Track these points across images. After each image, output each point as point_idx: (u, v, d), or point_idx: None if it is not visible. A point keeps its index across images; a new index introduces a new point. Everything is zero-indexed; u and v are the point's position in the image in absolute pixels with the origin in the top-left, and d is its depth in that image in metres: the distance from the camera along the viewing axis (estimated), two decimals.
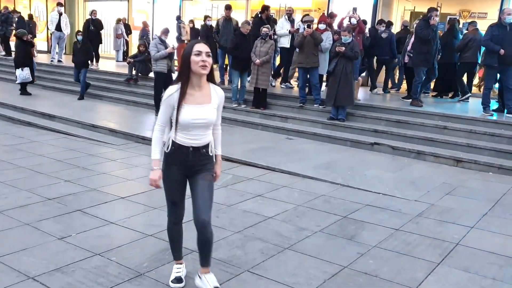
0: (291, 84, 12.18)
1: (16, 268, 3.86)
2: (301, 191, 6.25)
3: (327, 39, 10.02)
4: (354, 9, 10.82)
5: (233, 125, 10.04)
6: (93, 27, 15.34)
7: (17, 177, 6.40)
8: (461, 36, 11.18)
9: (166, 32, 10.87)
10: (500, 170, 7.40)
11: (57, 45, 16.14)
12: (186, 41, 14.31)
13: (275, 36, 11.58)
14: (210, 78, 3.38)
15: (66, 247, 4.31)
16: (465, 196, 6.26)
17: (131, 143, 8.75)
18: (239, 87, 10.72)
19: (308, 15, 11.27)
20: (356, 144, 8.72)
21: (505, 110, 9.07)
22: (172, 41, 12.30)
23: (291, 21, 11.53)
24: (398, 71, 13.01)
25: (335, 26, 11.23)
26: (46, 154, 7.68)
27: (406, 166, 7.65)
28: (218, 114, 3.45)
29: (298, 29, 10.71)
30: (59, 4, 16.14)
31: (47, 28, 18.86)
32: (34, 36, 16.49)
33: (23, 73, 12.68)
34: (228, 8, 11.94)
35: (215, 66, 12.80)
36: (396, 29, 13.15)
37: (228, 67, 11.70)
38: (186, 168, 3.41)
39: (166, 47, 10.41)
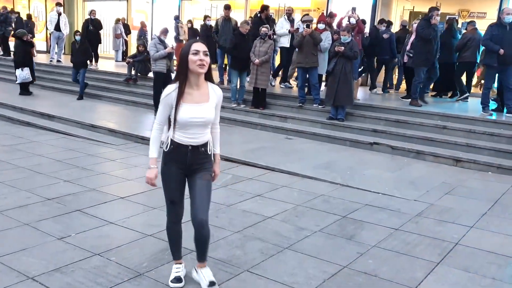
0: (290, 84, 12.19)
1: (16, 268, 3.86)
2: (301, 191, 6.25)
3: (326, 39, 10.02)
4: (353, 9, 10.83)
5: (233, 125, 10.04)
6: (92, 27, 15.34)
7: (17, 177, 6.40)
8: (459, 36, 11.19)
9: (165, 32, 10.87)
10: (500, 170, 7.40)
11: (56, 45, 16.14)
12: (184, 41, 14.32)
13: (275, 36, 11.58)
14: (208, 77, 3.40)
15: (65, 247, 4.31)
16: (464, 195, 6.27)
17: (131, 143, 8.75)
18: (238, 87, 10.72)
19: (307, 15, 11.27)
20: (355, 143, 8.73)
21: (505, 110, 9.07)
22: (170, 41, 12.30)
23: (291, 21, 11.54)
24: (397, 71, 13.01)
25: (334, 25, 11.23)
26: (46, 154, 7.68)
27: (405, 166, 7.65)
28: (216, 113, 3.47)
29: (297, 28, 10.72)
30: (58, 4, 16.13)
31: (46, 28, 18.86)
32: (33, 36, 16.47)
33: (23, 73, 12.68)
34: (227, 8, 11.94)
35: (214, 66, 12.82)
36: (395, 28, 13.14)
37: (227, 67, 11.71)
38: (185, 167, 3.43)
39: (165, 47, 10.41)
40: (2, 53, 17.94)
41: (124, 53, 18.05)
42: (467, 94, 11.03)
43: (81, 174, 6.63)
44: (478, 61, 10.94)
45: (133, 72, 13.17)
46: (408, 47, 10.69)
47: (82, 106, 11.71)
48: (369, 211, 5.56)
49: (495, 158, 7.69)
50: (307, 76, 10.06)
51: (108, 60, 17.95)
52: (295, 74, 11.51)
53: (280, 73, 12.56)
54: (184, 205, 3.59)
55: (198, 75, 3.29)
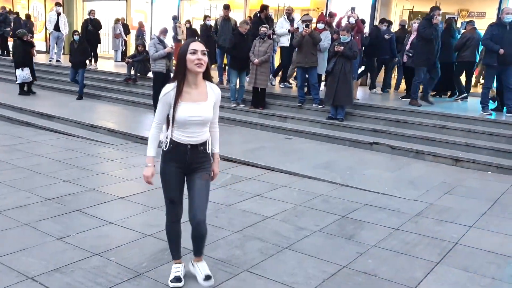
0: (290, 84, 12.18)
1: (15, 268, 3.86)
2: (300, 190, 6.25)
3: (325, 39, 10.02)
4: (353, 9, 10.82)
5: (232, 125, 10.04)
6: (92, 27, 15.33)
7: (16, 177, 6.40)
8: (458, 35, 11.19)
9: (164, 32, 10.87)
10: (499, 169, 7.41)
11: (55, 45, 16.13)
12: (182, 41, 14.33)
13: (274, 36, 11.57)
14: (206, 76, 3.42)
15: (65, 247, 4.31)
16: (464, 195, 6.27)
17: (130, 143, 8.75)
18: (237, 86, 10.72)
19: (307, 14, 11.27)
20: (355, 143, 8.73)
21: (504, 110, 9.08)
22: (169, 41, 12.30)
23: (291, 21, 11.53)
24: (396, 70, 13.00)
25: (334, 25, 11.22)
26: (45, 154, 7.68)
27: (405, 166, 7.65)
28: (215, 111, 3.49)
29: (297, 28, 10.71)
30: (57, 4, 16.11)
31: (46, 28, 18.85)
32: (32, 36, 16.46)
33: (23, 73, 12.68)
34: (226, 7, 11.93)
35: (213, 66, 12.83)
36: (394, 28, 13.13)
37: (227, 67, 11.71)
38: (184, 166, 3.45)
39: (164, 47, 10.40)
40: (0, 53, 17.93)
41: (124, 53, 18.06)
42: (465, 94, 11.04)
43: (80, 174, 6.63)
44: (477, 60, 10.94)
45: (132, 72, 13.17)
46: (407, 47, 10.70)
47: (82, 106, 11.71)
48: (369, 211, 5.56)
49: (495, 157, 7.69)
50: (307, 76, 10.06)
51: (107, 60, 17.96)
52: (295, 73, 11.51)
53: (279, 73, 12.56)
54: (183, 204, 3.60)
55: (196, 74, 3.32)
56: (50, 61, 16.09)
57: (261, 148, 8.35)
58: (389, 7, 14.75)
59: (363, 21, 11.57)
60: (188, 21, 15.36)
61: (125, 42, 18.31)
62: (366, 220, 5.23)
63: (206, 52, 3.30)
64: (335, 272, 4.00)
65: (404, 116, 9.26)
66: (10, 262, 3.97)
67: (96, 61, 15.52)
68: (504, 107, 9.12)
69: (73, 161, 7.30)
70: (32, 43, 13.42)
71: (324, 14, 12.59)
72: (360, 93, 11.26)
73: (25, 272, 3.81)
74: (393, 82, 12.91)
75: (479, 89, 12.68)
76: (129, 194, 5.82)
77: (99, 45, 16.31)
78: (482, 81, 13.16)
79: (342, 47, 9.05)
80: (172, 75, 10.18)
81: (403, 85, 12.24)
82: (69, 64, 12.90)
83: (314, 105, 10.07)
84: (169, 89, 3.34)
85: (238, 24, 10.99)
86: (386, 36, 11.43)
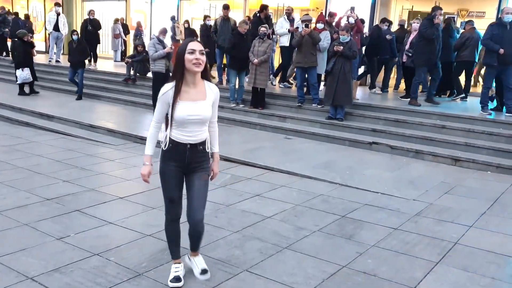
0: (289, 84, 12.18)
1: (15, 269, 3.86)
2: (300, 190, 6.25)
3: (325, 39, 10.02)
4: (352, 8, 10.82)
5: (231, 125, 10.04)
6: (91, 27, 15.33)
7: (16, 177, 6.40)
8: (457, 35, 11.20)
9: (164, 32, 10.87)
10: (499, 169, 7.41)
11: (55, 45, 16.13)
12: (180, 41, 14.32)
13: (274, 36, 11.56)
14: (205, 75, 3.45)
15: (64, 247, 4.30)
16: (463, 195, 6.27)
17: (130, 143, 8.75)
18: (237, 86, 10.72)
19: (307, 14, 11.27)
20: (354, 143, 8.73)
21: (504, 109, 9.08)
22: (167, 41, 12.29)
23: (291, 20, 11.53)
24: (396, 70, 13.00)
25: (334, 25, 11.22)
26: (45, 155, 7.67)
27: (404, 166, 7.65)
28: (213, 110, 3.51)
29: (297, 28, 10.71)
30: (56, 4, 16.11)
31: (45, 29, 18.84)
32: (32, 36, 16.47)
33: (23, 74, 12.68)
34: (226, 7, 11.93)
35: (214, 66, 12.84)
36: (393, 28, 13.13)
37: (226, 67, 11.71)
38: (184, 165, 3.47)
39: (164, 47, 10.40)
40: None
41: (123, 53, 18.05)
42: (463, 95, 11.05)
43: (80, 174, 6.63)
44: (476, 60, 10.94)
45: (132, 72, 13.17)
46: (407, 47, 10.70)
47: (81, 106, 11.70)
48: (368, 210, 5.56)
49: (494, 157, 7.70)
50: (306, 75, 10.06)
51: (107, 60, 17.95)
52: (295, 73, 11.51)
53: (280, 73, 12.56)
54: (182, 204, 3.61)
55: (194, 73, 3.34)
56: (50, 61, 16.09)
57: (260, 148, 8.35)
58: (389, 7, 14.75)
59: (362, 21, 11.57)
60: (187, 21, 15.36)
61: (125, 42, 18.31)
62: (365, 220, 5.23)
63: (204, 52, 3.32)
64: (334, 272, 4.00)
65: (404, 116, 9.26)
66: (10, 262, 3.97)
67: (95, 61, 15.51)
68: (504, 107, 9.12)
69: (72, 161, 7.30)
70: (32, 44, 13.41)
71: (324, 14, 12.59)
72: (360, 93, 11.25)
73: (25, 272, 3.81)
74: (392, 82, 12.91)
75: (478, 89, 12.69)
76: (128, 194, 5.82)
77: (98, 45, 16.31)
78: (480, 80, 13.18)
79: (341, 47, 9.05)
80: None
81: (402, 85, 12.23)
82: (69, 64, 12.89)
83: (313, 105, 10.07)
84: (167, 88, 3.36)
85: (237, 24, 10.99)
86: (388, 37, 11.41)
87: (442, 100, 11.09)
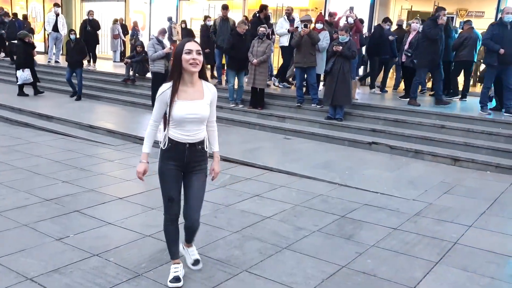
0: (289, 84, 12.17)
1: (14, 269, 3.85)
2: (299, 190, 6.25)
3: (324, 39, 10.02)
4: (351, 8, 10.83)
5: (231, 125, 10.04)
6: (90, 28, 15.32)
7: (15, 178, 6.39)
8: (455, 35, 11.20)
9: (163, 32, 10.88)
10: (498, 169, 7.41)
11: (54, 45, 16.12)
12: (177, 41, 14.33)
13: (273, 36, 11.56)
14: (202, 75, 3.48)
15: (64, 248, 4.30)
16: (463, 195, 6.27)
17: (129, 144, 8.74)
18: (236, 87, 10.71)
19: (308, 15, 11.28)
20: (354, 143, 8.73)
21: (503, 109, 9.08)
22: (166, 41, 12.31)
23: (291, 21, 11.52)
24: (395, 70, 12.99)
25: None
26: (44, 155, 7.67)
27: (404, 165, 7.65)
28: (211, 110, 3.55)
29: (297, 27, 10.71)
30: (56, 4, 16.10)
31: (44, 29, 18.83)
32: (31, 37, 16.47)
33: (24, 74, 12.68)
34: (225, 8, 11.92)
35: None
36: (392, 28, 13.13)
37: (225, 67, 11.70)
38: (183, 164, 3.50)
39: (163, 47, 10.40)
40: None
41: (122, 54, 18.05)
42: (459, 96, 11.05)
43: (79, 175, 6.63)
44: (475, 60, 10.95)
45: (131, 72, 13.15)
46: (406, 47, 10.70)
47: (81, 107, 11.70)
48: (368, 210, 5.56)
49: (494, 157, 7.70)
50: (305, 76, 10.06)
51: (106, 61, 17.94)
52: None
53: (273, 72, 12.56)
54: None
55: (192, 73, 3.38)
56: (49, 61, 16.08)
57: (260, 148, 8.35)
58: (388, 7, 14.76)
59: (361, 21, 11.57)
60: (184, 21, 15.37)
61: (124, 43, 18.30)
62: (365, 220, 5.23)
63: (201, 52, 3.37)
64: (334, 272, 4.00)
65: (403, 116, 9.27)
66: (9, 263, 3.96)
67: (94, 61, 15.51)
68: (503, 107, 9.12)
69: (72, 162, 7.30)
70: (33, 45, 13.42)
71: (323, 14, 12.59)
72: (359, 93, 11.25)
73: (24, 273, 3.81)
74: (391, 82, 12.91)
75: (476, 89, 12.70)
76: (128, 195, 5.82)
77: (97, 45, 16.31)
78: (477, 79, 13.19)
79: (340, 47, 9.05)
80: None
81: (401, 85, 12.23)
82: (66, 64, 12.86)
83: (312, 105, 10.07)
84: (165, 88, 3.40)
85: (236, 25, 10.98)
86: (391, 38, 11.40)
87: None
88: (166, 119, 3.49)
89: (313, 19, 10.81)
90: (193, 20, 17.67)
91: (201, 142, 3.52)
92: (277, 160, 7.58)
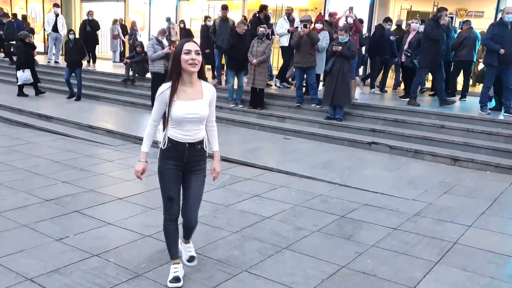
0: (288, 84, 12.17)
1: (14, 270, 3.85)
2: (299, 190, 6.25)
3: (323, 39, 10.02)
4: (350, 9, 10.83)
5: (230, 125, 10.04)
6: (90, 28, 15.33)
7: (15, 178, 6.39)
8: (454, 35, 11.21)
9: (163, 32, 10.87)
10: (498, 169, 7.41)
11: (53, 46, 16.12)
12: (176, 42, 14.34)
13: (273, 36, 11.55)
14: (201, 75, 3.51)
15: (64, 248, 4.30)
16: (462, 195, 6.27)
17: (129, 144, 8.74)
18: (235, 87, 10.71)
19: (309, 15, 11.27)
20: (353, 143, 8.73)
21: (503, 109, 9.08)
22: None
23: (291, 21, 11.52)
24: (394, 70, 12.99)
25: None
26: (44, 156, 7.67)
27: (403, 165, 7.65)
28: (211, 109, 3.57)
29: (297, 27, 10.71)
30: (55, 5, 16.09)
31: (44, 29, 18.84)
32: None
33: (24, 75, 12.69)
34: (224, 8, 11.92)
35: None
36: (391, 28, 13.14)
37: (225, 67, 11.71)
38: (182, 164, 3.52)
39: (163, 48, 10.40)
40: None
41: (122, 54, 18.04)
42: (458, 96, 11.05)
43: (79, 175, 6.63)
44: (474, 60, 10.95)
45: (131, 73, 13.15)
46: (405, 47, 10.70)
47: (80, 107, 11.69)
48: (368, 210, 5.56)
49: (493, 157, 7.70)
50: (305, 76, 10.06)
51: (105, 61, 17.93)
52: None
53: (272, 72, 12.55)
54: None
55: (191, 73, 3.40)
56: (49, 62, 16.08)
57: (259, 148, 8.35)
58: (387, 6, 14.77)
59: (361, 21, 11.57)
60: (182, 21, 15.35)
61: (123, 43, 18.30)
62: (365, 220, 5.23)
63: (200, 52, 3.39)
64: (334, 272, 4.00)
65: (403, 116, 9.27)
66: (9, 263, 3.96)
67: (94, 62, 15.51)
68: (503, 107, 9.12)
69: (71, 162, 7.29)
70: (33, 45, 13.42)
71: (322, 14, 12.58)
72: (358, 93, 11.25)
73: (24, 273, 3.80)
74: (390, 82, 12.91)
75: (475, 89, 12.70)
76: (127, 195, 5.82)
77: (97, 46, 16.31)
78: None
79: (340, 47, 9.05)
80: None
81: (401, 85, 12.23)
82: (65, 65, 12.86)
83: (312, 105, 10.07)
84: (165, 88, 3.42)
85: (235, 25, 10.98)
86: (392, 38, 11.40)
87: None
88: (165, 119, 3.50)
89: (313, 19, 10.81)
90: (192, 21, 17.67)
91: (201, 142, 3.54)
92: (277, 160, 7.58)
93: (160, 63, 10.34)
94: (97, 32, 15.92)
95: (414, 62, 10.46)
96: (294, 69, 10.53)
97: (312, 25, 10.41)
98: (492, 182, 6.93)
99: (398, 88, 12.46)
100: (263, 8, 11.72)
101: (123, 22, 18.40)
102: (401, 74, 12.02)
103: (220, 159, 3.79)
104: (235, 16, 13.85)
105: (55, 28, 15.56)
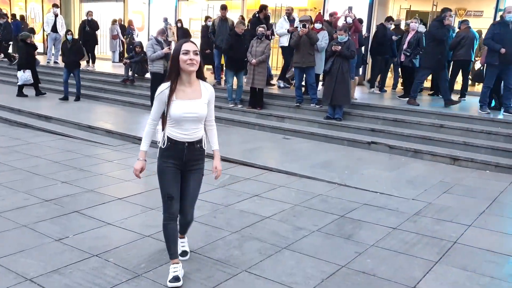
0: (288, 84, 12.16)
1: (14, 270, 3.85)
2: (298, 190, 6.25)
3: (323, 38, 10.02)
4: (350, 8, 10.82)
5: (230, 125, 10.04)
6: (89, 28, 15.32)
7: (14, 178, 6.39)
8: (452, 34, 11.19)
9: (162, 32, 10.86)
10: (497, 168, 7.42)
11: (53, 46, 16.11)
12: (173, 42, 14.33)
13: (272, 36, 11.54)
14: (200, 75, 3.54)
15: (63, 248, 4.30)
16: (462, 194, 6.27)
17: (128, 144, 8.74)
18: (234, 87, 10.71)
19: (309, 15, 11.27)
20: (353, 143, 8.73)
21: (502, 109, 9.08)
22: None
23: (291, 21, 11.51)
24: (393, 70, 12.99)
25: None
26: (43, 156, 7.67)
27: (403, 165, 7.66)
28: (209, 109, 3.60)
29: (297, 27, 10.70)
30: (54, 5, 16.09)
31: (43, 30, 18.83)
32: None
33: (24, 75, 12.69)
34: (223, 8, 11.92)
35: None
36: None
37: (224, 67, 11.71)
38: (182, 163, 3.56)
39: (162, 48, 10.39)
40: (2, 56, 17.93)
41: (121, 54, 18.04)
42: (451, 99, 11.04)
43: (78, 175, 6.62)
44: (472, 59, 10.96)
45: (130, 73, 13.15)
46: (405, 46, 10.70)
47: (79, 107, 11.69)
48: (367, 210, 5.56)
49: (493, 156, 7.70)
50: (304, 76, 10.06)
51: (105, 61, 17.93)
52: None
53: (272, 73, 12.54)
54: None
55: (189, 73, 3.44)
56: (48, 62, 16.07)
57: (259, 148, 8.35)
58: (387, 6, 14.75)
59: (360, 21, 11.56)
60: (180, 21, 15.32)
61: (123, 43, 18.29)
62: (364, 220, 5.23)
63: (198, 52, 3.43)
64: (333, 272, 4.00)
65: (402, 116, 9.27)
66: (9, 263, 3.96)
67: (93, 62, 15.50)
68: (502, 107, 9.12)
69: (71, 162, 7.29)
70: (35, 46, 13.41)
71: (322, 14, 12.57)
72: (358, 93, 11.25)
73: (24, 273, 3.80)
74: (389, 81, 12.90)
75: (474, 88, 12.71)
76: (127, 195, 5.82)
77: (96, 46, 16.30)
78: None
79: (339, 47, 9.05)
80: None
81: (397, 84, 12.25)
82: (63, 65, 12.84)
83: (312, 105, 10.07)
84: (164, 87, 3.47)
85: (234, 25, 10.98)
86: (394, 38, 11.39)
87: (441, 99, 11.08)
88: (164, 119, 3.52)
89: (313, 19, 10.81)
90: (191, 21, 17.66)
91: (200, 141, 3.57)
92: (277, 160, 7.58)
93: (159, 63, 10.33)
94: (97, 32, 15.93)
95: (413, 62, 10.47)
96: (294, 69, 10.53)
97: (312, 25, 10.41)
98: (491, 181, 6.93)
99: (397, 87, 12.45)
100: (263, 8, 11.72)
101: (122, 23, 18.39)
102: (400, 74, 12.02)
103: (220, 158, 3.81)
104: (234, 16, 13.83)
105: (54, 28, 15.56)
